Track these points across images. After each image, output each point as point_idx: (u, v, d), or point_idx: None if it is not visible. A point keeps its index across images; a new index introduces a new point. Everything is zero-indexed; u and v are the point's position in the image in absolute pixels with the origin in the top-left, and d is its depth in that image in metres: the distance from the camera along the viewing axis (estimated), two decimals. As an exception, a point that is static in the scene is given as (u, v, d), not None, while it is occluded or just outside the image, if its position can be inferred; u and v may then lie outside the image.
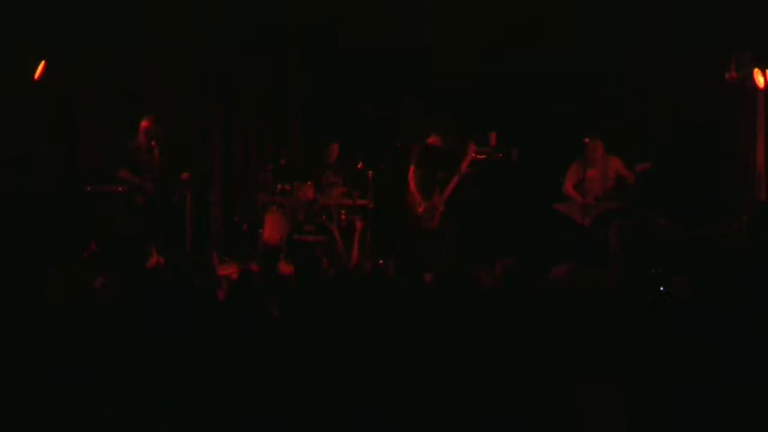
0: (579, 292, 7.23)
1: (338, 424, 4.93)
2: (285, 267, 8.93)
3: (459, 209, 11.10)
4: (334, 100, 12.38)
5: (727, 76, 10.77)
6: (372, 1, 12.09)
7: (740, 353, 5.44)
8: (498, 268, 8.92)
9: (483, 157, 11.22)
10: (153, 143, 10.54)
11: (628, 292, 7.20)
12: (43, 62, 10.75)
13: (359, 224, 11.14)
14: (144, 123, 10.65)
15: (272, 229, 11.00)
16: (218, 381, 5.19)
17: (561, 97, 11.88)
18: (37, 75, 10.74)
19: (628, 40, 11.57)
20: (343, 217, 11.13)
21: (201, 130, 12.52)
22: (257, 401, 5.05)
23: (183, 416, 4.99)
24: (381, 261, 9.43)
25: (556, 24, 11.81)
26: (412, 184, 11.09)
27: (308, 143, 12.36)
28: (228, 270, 9.34)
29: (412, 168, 11.08)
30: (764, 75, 10.60)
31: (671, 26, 11.38)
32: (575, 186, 10.68)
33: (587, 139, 10.65)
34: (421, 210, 11.02)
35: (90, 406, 4.96)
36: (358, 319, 6.00)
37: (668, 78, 11.37)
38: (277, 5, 12.48)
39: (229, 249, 11.16)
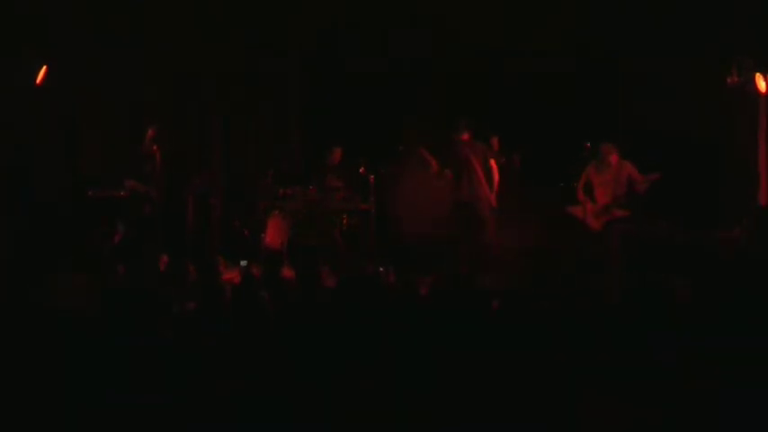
0: (581, 295, 7.25)
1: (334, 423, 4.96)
2: (287, 272, 8.92)
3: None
4: (334, 104, 12.39)
5: (728, 80, 10.77)
6: (373, 7, 12.09)
7: (740, 354, 5.46)
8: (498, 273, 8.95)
9: None
10: (155, 147, 10.51)
11: (629, 296, 7.22)
12: (45, 67, 10.73)
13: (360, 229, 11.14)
14: (150, 132, 10.60)
15: (273, 233, 11.00)
16: (219, 380, 5.21)
17: (562, 102, 11.88)
18: (39, 80, 10.72)
19: (630, 44, 11.57)
20: (344, 221, 11.12)
21: (201, 132, 12.50)
22: (257, 401, 5.07)
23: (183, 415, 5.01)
24: (381, 268, 9.41)
25: (556, 29, 11.81)
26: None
27: (310, 147, 12.36)
28: (231, 274, 9.33)
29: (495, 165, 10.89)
30: (766, 79, 10.61)
31: (672, 31, 11.37)
32: (583, 190, 10.66)
33: (587, 144, 10.63)
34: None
35: (96, 401, 4.99)
36: (358, 325, 6.01)
37: (669, 83, 11.37)
38: (278, 8, 12.47)
39: (231, 253, 11.14)
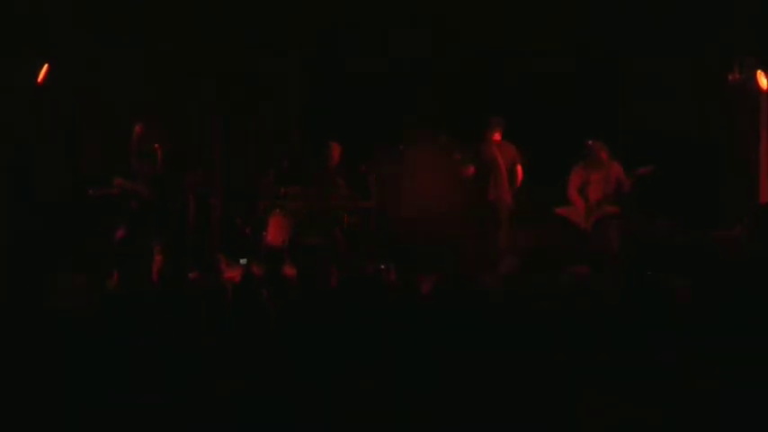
0: (581, 295, 7.24)
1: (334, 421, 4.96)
2: (288, 270, 8.93)
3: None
4: (334, 104, 12.39)
5: (729, 77, 10.77)
6: (373, 7, 12.09)
7: (740, 354, 5.46)
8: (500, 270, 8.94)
9: None
10: (156, 146, 10.50)
11: (628, 295, 7.21)
12: (46, 65, 10.72)
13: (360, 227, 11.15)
14: (137, 129, 10.57)
15: (275, 231, 11.00)
16: (219, 380, 5.22)
17: (562, 102, 11.88)
18: (40, 78, 10.71)
19: (630, 44, 11.57)
20: (345, 220, 11.13)
21: (201, 132, 12.49)
22: (257, 401, 5.07)
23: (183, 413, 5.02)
24: (382, 266, 9.42)
25: (556, 29, 11.81)
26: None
27: (310, 147, 12.34)
28: (232, 273, 9.34)
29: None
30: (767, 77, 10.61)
31: (672, 31, 11.36)
32: (577, 190, 10.66)
33: (590, 142, 10.61)
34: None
35: (96, 401, 4.99)
36: (358, 324, 6.01)
37: (669, 83, 11.37)
38: (278, 8, 12.46)
39: (232, 252, 11.14)
